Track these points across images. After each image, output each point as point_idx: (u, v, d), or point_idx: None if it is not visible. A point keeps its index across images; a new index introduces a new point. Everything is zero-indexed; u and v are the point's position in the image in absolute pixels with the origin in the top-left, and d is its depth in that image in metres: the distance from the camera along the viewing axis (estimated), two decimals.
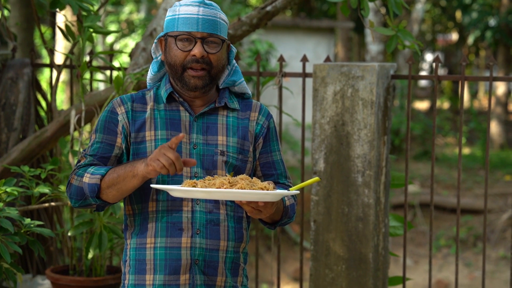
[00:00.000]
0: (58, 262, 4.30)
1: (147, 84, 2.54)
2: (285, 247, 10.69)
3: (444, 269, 10.57)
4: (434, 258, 10.80)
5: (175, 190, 2.20)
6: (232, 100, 2.49)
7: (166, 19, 2.43)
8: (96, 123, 2.50)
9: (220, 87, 2.49)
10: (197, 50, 2.35)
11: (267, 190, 2.19)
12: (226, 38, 2.43)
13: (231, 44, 2.50)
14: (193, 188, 2.18)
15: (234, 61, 2.50)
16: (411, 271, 10.19)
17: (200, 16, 2.36)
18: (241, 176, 2.24)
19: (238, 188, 2.18)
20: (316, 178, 2.25)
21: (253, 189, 2.19)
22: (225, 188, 2.18)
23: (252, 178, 2.25)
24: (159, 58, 2.49)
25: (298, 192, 2.25)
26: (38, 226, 3.56)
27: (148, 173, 2.22)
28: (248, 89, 2.55)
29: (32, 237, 3.24)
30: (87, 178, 2.32)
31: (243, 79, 2.53)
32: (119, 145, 2.41)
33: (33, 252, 4.24)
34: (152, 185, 2.25)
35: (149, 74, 2.52)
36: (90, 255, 3.73)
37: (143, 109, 2.44)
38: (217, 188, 2.18)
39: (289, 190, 2.28)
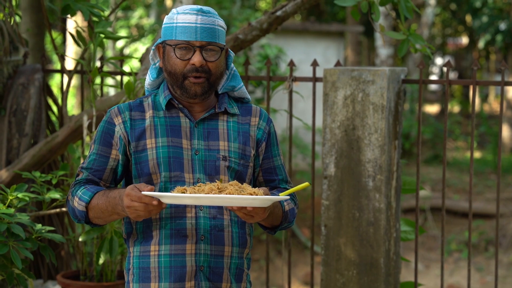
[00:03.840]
0: (71, 267, 4.31)
1: (145, 89, 2.54)
2: (295, 251, 10.68)
3: (455, 273, 10.52)
4: (445, 263, 10.74)
5: (165, 196, 2.18)
6: (231, 105, 2.48)
7: (163, 26, 2.42)
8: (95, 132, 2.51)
9: (220, 92, 2.49)
10: (196, 59, 2.35)
11: (256, 195, 2.19)
12: (224, 44, 2.42)
13: (229, 49, 2.49)
14: (182, 194, 2.17)
15: (232, 65, 2.49)
16: (422, 276, 10.15)
17: (199, 25, 2.35)
18: (231, 182, 2.25)
19: (226, 194, 2.18)
20: (305, 184, 2.24)
21: (242, 194, 2.19)
22: (213, 194, 2.18)
23: (252, 184, 2.23)
24: (157, 64, 2.48)
25: (288, 197, 2.23)
26: (49, 231, 3.57)
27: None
28: (247, 93, 2.54)
29: (43, 243, 3.24)
30: (76, 203, 2.37)
31: (242, 84, 2.52)
32: (114, 157, 2.41)
33: (44, 258, 4.25)
34: (144, 192, 2.18)
35: (148, 80, 2.51)
36: (101, 260, 3.73)
37: (142, 117, 2.43)
38: (206, 194, 2.18)
39: (279, 195, 2.26)
